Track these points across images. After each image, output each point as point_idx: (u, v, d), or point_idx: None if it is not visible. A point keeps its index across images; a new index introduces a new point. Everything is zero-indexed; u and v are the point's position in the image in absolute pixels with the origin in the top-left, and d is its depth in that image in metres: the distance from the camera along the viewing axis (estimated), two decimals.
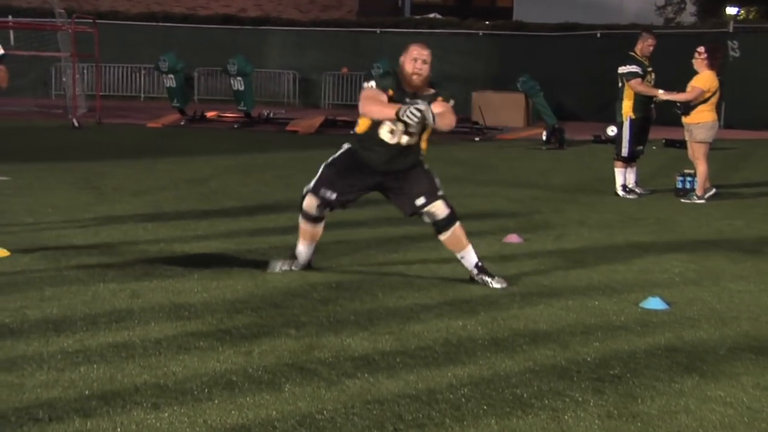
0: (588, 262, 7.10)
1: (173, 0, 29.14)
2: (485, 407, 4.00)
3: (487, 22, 25.06)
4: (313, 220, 6.30)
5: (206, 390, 4.15)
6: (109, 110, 19.72)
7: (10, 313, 5.28)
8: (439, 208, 6.12)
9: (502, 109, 20.58)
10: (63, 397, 4.05)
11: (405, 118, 5.63)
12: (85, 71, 21.32)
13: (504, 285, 6.14)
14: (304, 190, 6.28)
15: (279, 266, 6.38)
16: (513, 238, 7.78)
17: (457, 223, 6.20)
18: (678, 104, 10.39)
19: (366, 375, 4.38)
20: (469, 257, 6.32)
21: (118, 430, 3.72)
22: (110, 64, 23.53)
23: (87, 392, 4.11)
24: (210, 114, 19.97)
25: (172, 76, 19.34)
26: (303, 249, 6.42)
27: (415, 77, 5.97)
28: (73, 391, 4.13)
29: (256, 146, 15.44)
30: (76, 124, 18.07)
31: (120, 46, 23.98)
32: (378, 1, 29.39)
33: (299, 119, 19.54)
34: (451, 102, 6.28)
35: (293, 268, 6.38)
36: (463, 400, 4.07)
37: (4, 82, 6.75)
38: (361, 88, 6.30)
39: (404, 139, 6.05)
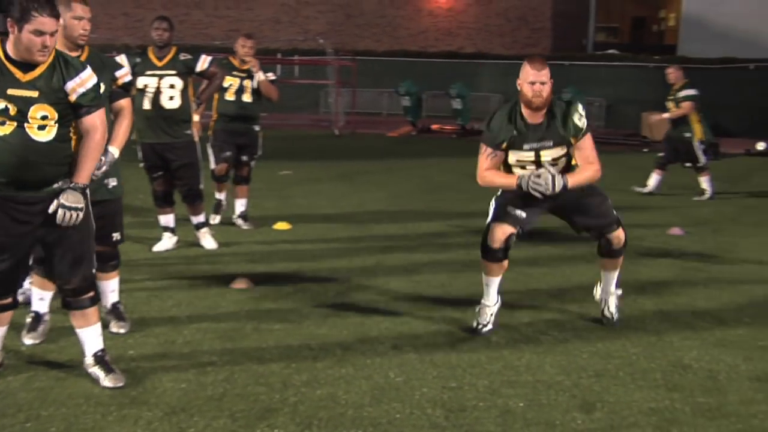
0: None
1: (410, 41, 29.22)
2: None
3: (656, 57, 23.45)
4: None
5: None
6: (360, 123, 19.97)
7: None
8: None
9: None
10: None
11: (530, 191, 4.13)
12: (345, 94, 21.84)
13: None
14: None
15: None
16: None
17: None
18: None
19: None
20: None
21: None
22: (362, 89, 23.96)
23: None
24: (434, 126, 19.97)
25: (407, 97, 19.45)
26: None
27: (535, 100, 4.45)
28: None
29: (470, 151, 15.14)
30: (337, 133, 18.42)
31: (370, 76, 24.38)
32: (566, 40, 28.22)
33: None
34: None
35: None
36: None
37: (274, 95, 6.93)
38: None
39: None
